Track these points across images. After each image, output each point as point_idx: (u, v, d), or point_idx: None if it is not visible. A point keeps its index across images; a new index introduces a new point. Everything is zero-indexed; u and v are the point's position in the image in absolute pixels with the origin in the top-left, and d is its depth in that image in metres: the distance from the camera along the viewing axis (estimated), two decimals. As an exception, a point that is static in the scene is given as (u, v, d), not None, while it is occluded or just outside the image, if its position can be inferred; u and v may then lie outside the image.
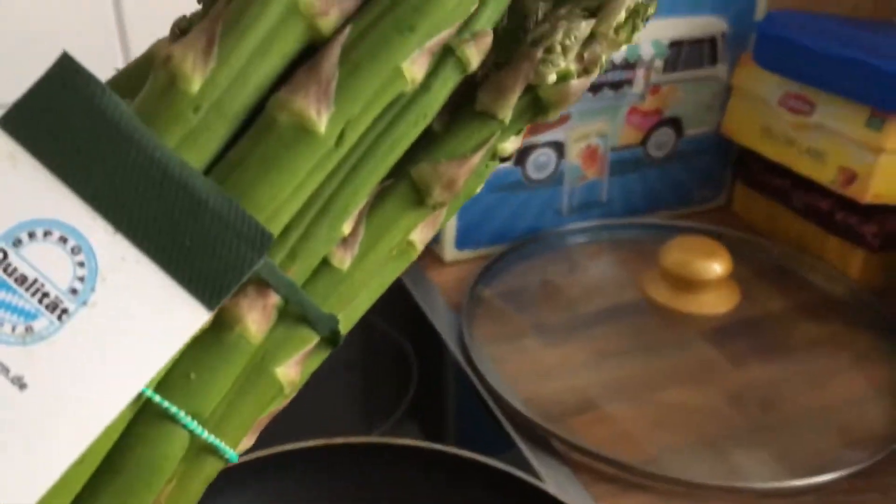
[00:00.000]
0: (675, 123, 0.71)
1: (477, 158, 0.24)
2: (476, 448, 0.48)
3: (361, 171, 0.23)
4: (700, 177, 0.75)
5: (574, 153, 0.68)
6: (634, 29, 0.25)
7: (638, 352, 0.58)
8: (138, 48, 0.60)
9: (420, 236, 0.25)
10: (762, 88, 0.67)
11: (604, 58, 0.25)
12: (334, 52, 0.21)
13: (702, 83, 0.70)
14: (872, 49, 0.59)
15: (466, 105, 0.24)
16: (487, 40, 0.23)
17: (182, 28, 0.24)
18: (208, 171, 0.22)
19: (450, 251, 0.67)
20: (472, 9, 0.23)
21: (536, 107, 0.25)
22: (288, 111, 0.21)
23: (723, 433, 0.51)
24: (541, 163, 0.67)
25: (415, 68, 0.22)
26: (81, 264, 0.20)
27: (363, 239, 0.24)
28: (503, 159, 0.26)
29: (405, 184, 0.24)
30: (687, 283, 0.60)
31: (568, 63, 0.24)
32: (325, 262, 0.23)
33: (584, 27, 0.24)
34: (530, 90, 0.24)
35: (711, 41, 0.69)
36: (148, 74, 0.22)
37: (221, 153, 0.22)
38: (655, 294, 0.61)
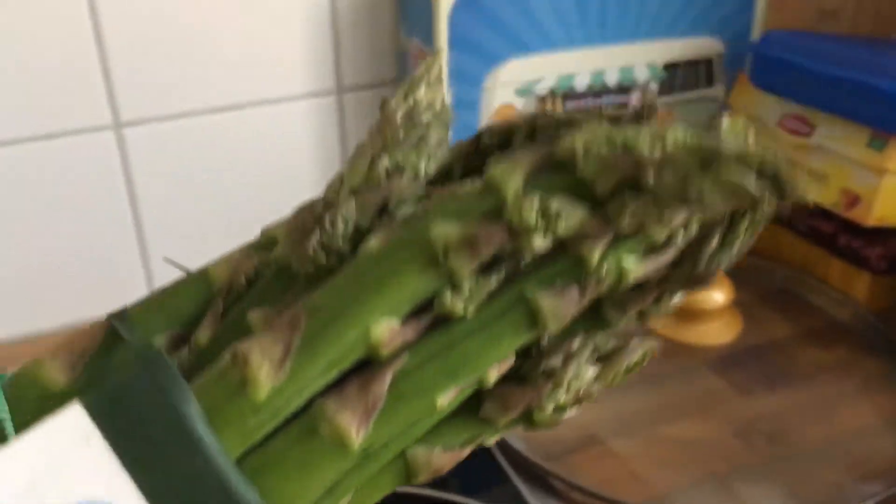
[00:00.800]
0: (672, 146, 0.70)
1: (465, 453, 0.26)
2: (474, 487, 0.47)
3: (370, 465, 0.25)
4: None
5: (570, 179, 0.67)
6: (628, 374, 0.27)
7: (640, 385, 0.56)
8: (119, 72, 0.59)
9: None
10: (760, 109, 0.66)
11: (595, 395, 0.27)
12: (386, 379, 0.24)
13: (699, 104, 0.69)
14: (872, 68, 0.58)
15: (470, 406, 0.26)
16: (508, 363, 0.25)
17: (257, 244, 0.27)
18: (245, 454, 0.24)
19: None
20: (510, 355, 0.25)
21: (527, 421, 0.27)
22: (331, 425, 0.23)
23: (730, 468, 0.49)
24: (536, 190, 0.65)
25: (446, 400, 0.25)
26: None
27: None
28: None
29: (398, 463, 0.26)
30: (688, 313, 0.58)
31: (566, 397, 0.26)
32: None
33: (592, 373, 0.26)
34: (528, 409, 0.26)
35: (707, 62, 0.68)
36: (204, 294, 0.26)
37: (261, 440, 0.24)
38: (656, 324, 0.60)
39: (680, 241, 0.24)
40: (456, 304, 0.24)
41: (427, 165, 0.27)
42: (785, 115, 0.64)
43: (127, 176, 0.61)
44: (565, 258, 0.24)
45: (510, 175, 0.24)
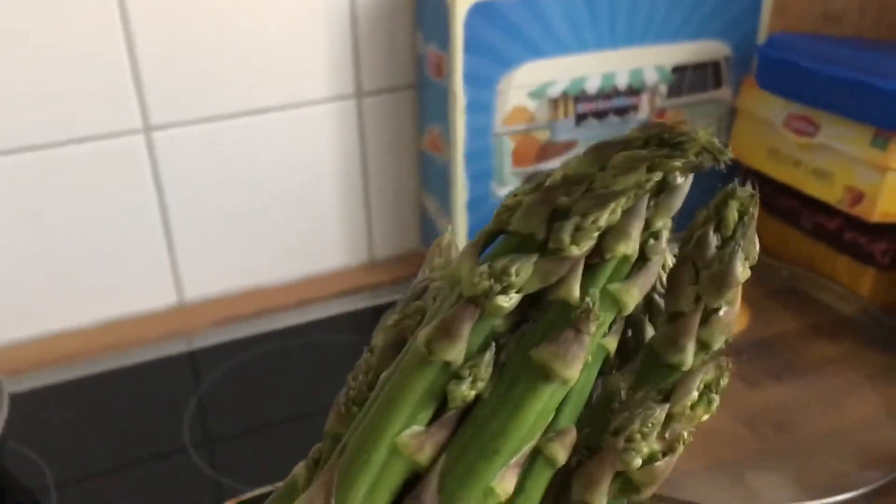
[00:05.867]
0: (681, 147, 0.71)
1: None
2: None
3: None
4: (708, 200, 0.75)
5: (582, 179, 0.68)
6: (710, 402, 0.26)
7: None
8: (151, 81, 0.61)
9: None
10: (767, 110, 0.68)
11: (685, 434, 0.26)
12: (433, 484, 0.24)
13: (707, 106, 0.71)
14: (874, 69, 0.59)
15: (563, 496, 0.26)
16: (571, 436, 0.26)
17: (313, 458, 0.28)
18: None
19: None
20: (548, 422, 0.25)
21: (629, 488, 0.26)
22: None
23: (738, 456, 0.51)
24: (549, 189, 0.67)
25: (504, 484, 0.25)
26: None
27: None
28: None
29: None
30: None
31: (650, 445, 0.25)
32: None
33: (659, 413, 0.25)
34: (620, 474, 0.26)
35: (715, 65, 0.70)
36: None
37: None
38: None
39: (655, 247, 0.25)
40: (463, 389, 0.25)
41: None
42: (790, 115, 0.66)
43: (156, 178, 0.64)
44: (553, 309, 0.25)
45: (462, 261, 0.25)
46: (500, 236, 0.26)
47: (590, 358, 0.25)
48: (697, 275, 0.26)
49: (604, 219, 0.24)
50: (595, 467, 0.25)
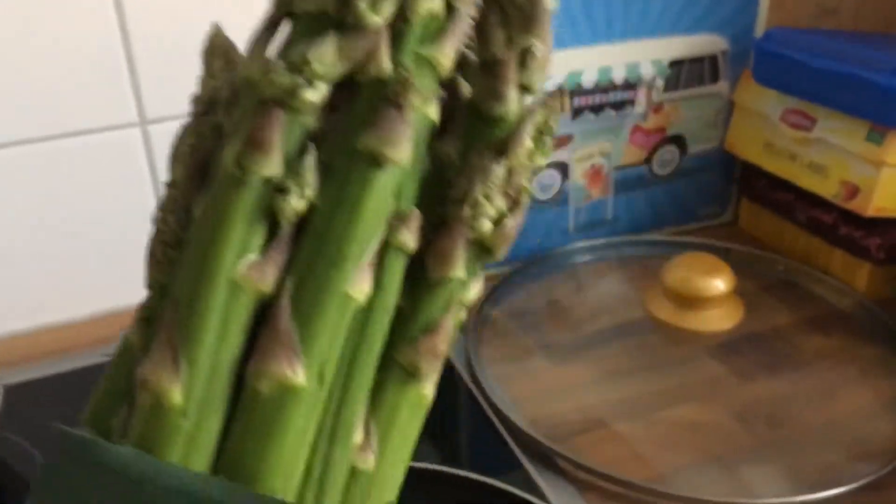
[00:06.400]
0: (678, 141, 0.72)
1: (448, 321, 0.25)
2: (484, 467, 0.48)
3: (352, 387, 0.23)
4: (705, 193, 0.75)
5: (578, 173, 0.68)
6: (544, 146, 0.25)
7: (644, 370, 0.58)
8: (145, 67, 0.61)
9: (428, 391, 0.26)
10: (763, 104, 0.68)
11: (525, 182, 0.25)
12: (285, 310, 0.22)
13: (704, 100, 0.71)
14: (870, 64, 0.59)
15: (419, 274, 0.25)
16: (416, 219, 0.24)
17: (142, 317, 0.25)
18: (216, 464, 0.23)
19: (457, 272, 0.67)
20: (389, 212, 0.23)
21: (483, 252, 0.25)
22: (267, 379, 0.22)
23: (730, 450, 0.51)
24: (545, 184, 0.67)
25: (361, 286, 0.23)
26: None
27: (378, 435, 0.25)
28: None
29: (395, 371, 0.25)
30: (690, 301, 0.60)
31: (496, 205, 0.24)
32: (351, 471, 0.24)
33: (499, 171, 0.24)
34: (472, 241, 0.25)
35: (712, 59, 0.70)
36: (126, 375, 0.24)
37: (221, 442, 0.23)
38: (659, 312, 0.62)
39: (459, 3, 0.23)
40: (291, 202, 0.22)
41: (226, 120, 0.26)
42: (787, 109, 0.65)
43: (153, 172, 0.64)
44: (367, 91, 0.23)
45: (252, 60, 0.23)
46: (283, 23, 0.23)
47: (415, 133, 0.23)
48: (506, 16, 0.24)
49: None
50: (446, 241, 0.24)
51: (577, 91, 0.65)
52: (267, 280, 0.22)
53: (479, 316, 0.62)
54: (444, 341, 0.25)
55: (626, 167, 0.70)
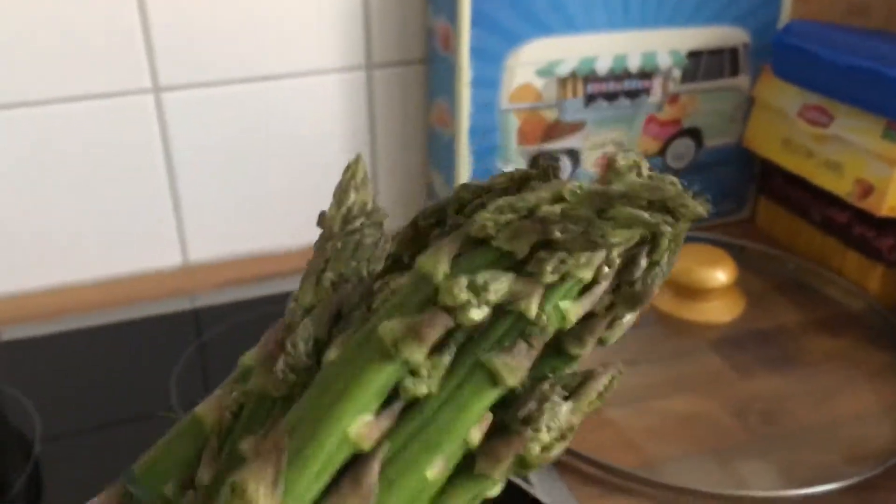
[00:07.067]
0: (694, 134, 0.71)
1: None
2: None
3: None
4: (722, 189, 0.74)
5: (590, 161, 0.68)
6: (601, 402, 0.29)
7: (642, 360, 0.58)
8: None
9: None
10: (782, 100, 0.66)
11: (576, 423, 0.28)
12: (374, 468, 0.26)
13: (723, 94, 0.70)
14: (889, 59, 0.58)
15: (466, 466, 0.28)
16: (488, 421, 0.27)
17: (231, 410, 0.29)
18: None
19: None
20: (485, 416, 0.27)
21: (522, 465, 0.28)
22: None
23: (722, 443, 0.50)
24: (555, 170, 0.67)
25: (436, 472, 0.26)
26: None
27: None
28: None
29: None
30: (691, 291, 0.59)
31: (551, 436, 0.28)
32: None
33: (566, 412, 0.28)
34: (518, 455, 0.28)
35: (732, 52, 0.68)
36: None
37: None
38: (659, 302, 0.61)
39: (607, 274, 0.27)
40: (419, 387, 0.26)
41: (367, 267, 0.31)
42: (805, 105, 0.64)
43: (164, 139, 0.65)
44: (508, 318, 0.27)
45: (436, 262, 0.26)
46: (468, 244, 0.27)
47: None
48: (618, 286, 0.28)
49: (589, 261, 0.26)
50: (502, 448, 0.27)
51: (591, 77, 0.65)
52: (370, 440, 0.26)
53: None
54: None
55: (640, 158, 0.69)
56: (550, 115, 0.65)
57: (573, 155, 0.67)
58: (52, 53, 0.59)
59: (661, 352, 0.58)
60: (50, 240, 0.65)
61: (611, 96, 0.66)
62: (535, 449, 0.27)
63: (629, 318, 0.29)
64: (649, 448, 0.50)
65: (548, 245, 0.26)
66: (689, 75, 0.68)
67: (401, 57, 0.68)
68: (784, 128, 0.67)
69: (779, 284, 0.66)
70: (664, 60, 0.66)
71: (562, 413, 0.27)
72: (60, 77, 0.60)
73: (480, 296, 0.26)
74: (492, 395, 0.27)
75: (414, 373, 0.26)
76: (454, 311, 0.26)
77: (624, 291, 0.28)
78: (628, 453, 0.49)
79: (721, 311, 0.60)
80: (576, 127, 0.66)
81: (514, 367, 0.26)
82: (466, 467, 0.28)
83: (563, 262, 0.26)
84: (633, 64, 0.66)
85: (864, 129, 0.59)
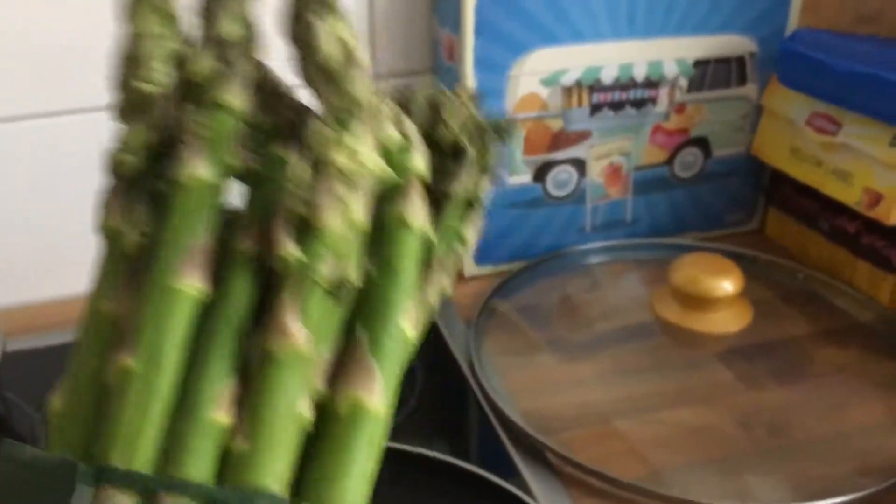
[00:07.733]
0: (702, 143, 0.70)
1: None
2: (470, 454, 0.48)
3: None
4: (730, 199, 0.73)
5: (596, 171, 0.68)
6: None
7: (649, 370, 0.57)
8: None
9: None
10: (790, 108, 0.66)
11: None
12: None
13: (730, 103, 0.70)
14: (897, 67, 0.57)
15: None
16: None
17: None
18: None
19: (469, 267, 0.67)
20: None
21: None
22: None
23: (728, 454, 0.50)
24: (561, 180, 0.67)
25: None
26: None
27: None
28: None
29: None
30: (697, 301, 0.59)
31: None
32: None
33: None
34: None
35: (740, 61, 0.68)
36: None
37: None
38: (666, 312, 0.60)
39: None
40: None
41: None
42: (813, 113, 0.64)
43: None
44: None
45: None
46: None
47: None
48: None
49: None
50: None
51: (597, 87, 0.65)
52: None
53: (485, 308, 0.62)
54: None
55: (647, 167, 0.69)
56: (555, 124, 0.65)
57: (578, 164, 0.67)
58: (43, 67, 0.60)
59: (668, 362, 0.58)
60: (57, 250, 0.65)
61: (616, 106, 0.66)
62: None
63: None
64: (655, 459, 0.49)
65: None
66: (695, 84, 0.67)
67: (406, 67, 0.68)
68: (792, 136, 0.66)
69: (787, 294, 0.65)
70: (670, 69, 0.66)
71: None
72: (68, 88, 0.60)
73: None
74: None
75: None
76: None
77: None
78: (634, 465, 0.49)
79: (728, 322, 0.60)
80: (581, 136, 0.66)
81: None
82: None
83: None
84: (639, 73, 0.65)
85: (872, 138, 0.59)
